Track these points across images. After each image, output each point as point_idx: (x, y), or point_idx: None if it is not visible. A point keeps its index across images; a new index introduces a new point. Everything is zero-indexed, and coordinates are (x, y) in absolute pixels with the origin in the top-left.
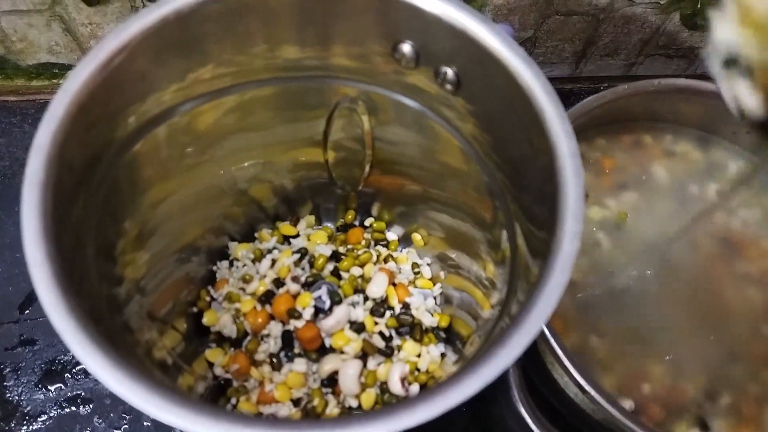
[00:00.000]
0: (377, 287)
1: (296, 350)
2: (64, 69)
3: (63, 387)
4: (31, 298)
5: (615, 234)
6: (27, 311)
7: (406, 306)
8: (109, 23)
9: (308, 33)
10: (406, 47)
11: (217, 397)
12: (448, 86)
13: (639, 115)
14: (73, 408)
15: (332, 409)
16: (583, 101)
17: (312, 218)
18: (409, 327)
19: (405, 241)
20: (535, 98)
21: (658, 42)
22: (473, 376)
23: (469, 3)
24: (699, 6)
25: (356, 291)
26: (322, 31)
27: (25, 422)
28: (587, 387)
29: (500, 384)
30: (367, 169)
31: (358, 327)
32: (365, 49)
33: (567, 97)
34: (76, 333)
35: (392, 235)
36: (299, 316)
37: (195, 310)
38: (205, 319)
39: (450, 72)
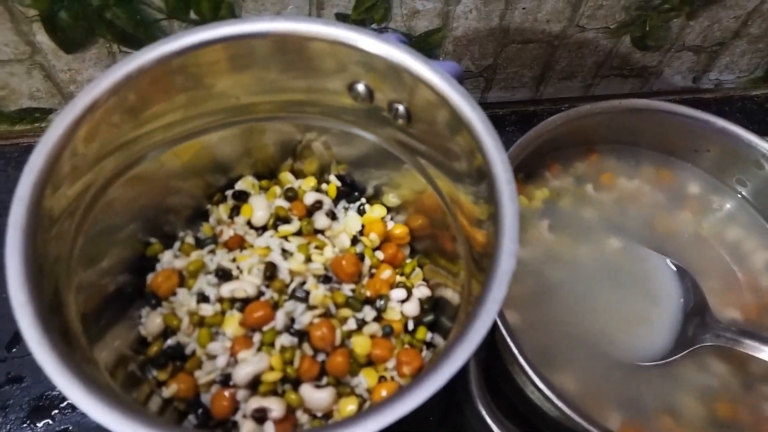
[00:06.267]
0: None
1: None
2: (45, 113)
3: (51, 422)
4: (17, 337)
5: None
6: (14, 350)
7: None
8: (87, 69)
9: (270, 80)
10: (361, 86)
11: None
12: (401, 120)
13: (600, 137)
14: None
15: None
16: (545, 121)
17: None
18: None
19: None
20: (474, 130)
21: (612, 63)
22: (412, 394)
23: (431, 35)
24: (647, 29)
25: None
26: (285, 76)
27: None
28: (541, 386)
29: (460, 381)
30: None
31: None
32: (324, 89)
33: (530, 119)
34: (61, 367)
35: None
36: None
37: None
38: None
39: (401, 108)
